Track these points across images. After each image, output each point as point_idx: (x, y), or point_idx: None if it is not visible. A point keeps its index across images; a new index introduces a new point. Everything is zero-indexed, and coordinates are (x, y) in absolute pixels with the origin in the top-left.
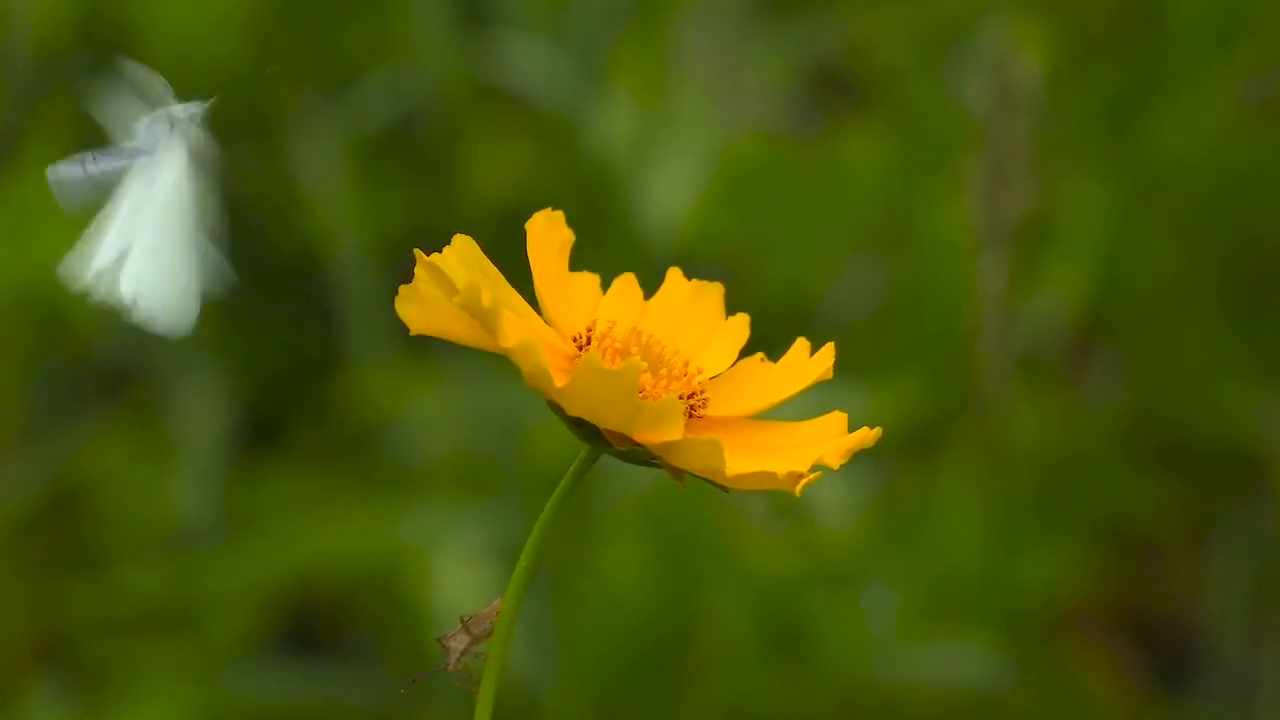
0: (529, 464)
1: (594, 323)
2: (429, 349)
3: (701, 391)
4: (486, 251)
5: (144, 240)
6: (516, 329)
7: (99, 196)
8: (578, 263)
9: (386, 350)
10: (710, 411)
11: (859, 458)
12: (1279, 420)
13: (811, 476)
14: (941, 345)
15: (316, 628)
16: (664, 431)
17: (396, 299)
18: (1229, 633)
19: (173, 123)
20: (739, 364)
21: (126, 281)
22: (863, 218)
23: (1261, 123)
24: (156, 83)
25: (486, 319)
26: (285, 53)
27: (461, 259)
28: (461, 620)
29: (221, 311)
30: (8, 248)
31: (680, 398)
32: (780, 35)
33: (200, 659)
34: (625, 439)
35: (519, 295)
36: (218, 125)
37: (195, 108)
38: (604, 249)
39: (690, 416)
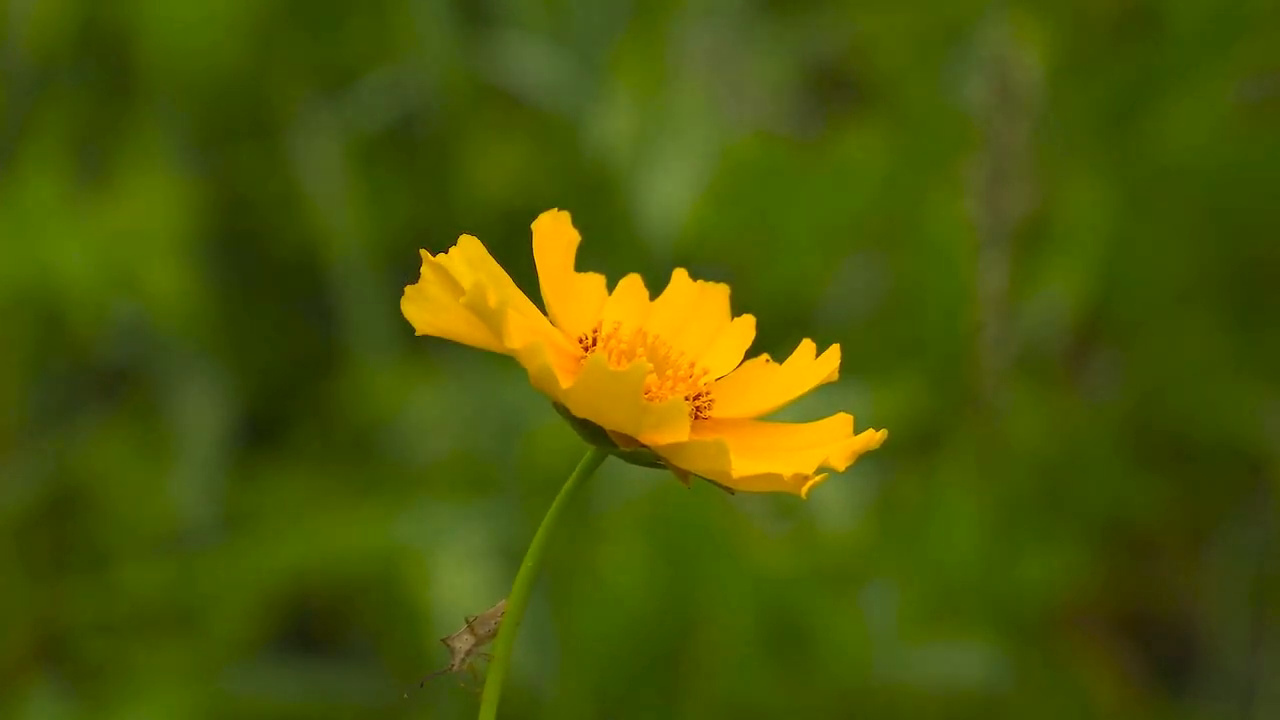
0: (529, 464)
1: (600, 324)
2: (429, 349)
3: (707, 393)
4: (489, 251)
5: None
6: (522, 330)
7: None
8: (578, 262)
9: (387, 350)
10: (715, 413)
11: (860, 458)
12: (1279, 420)
13: (817, 478)
14: (941, 345)
15: (316, 628)
16: (669, 433)
17: (402, 299)
18: (1229, 633)
19: None
20: (744, 365)
21: None
22: (863, 217)
23: (1261, 123)
24: None
25: (493, 320)
26: (285, 53)
27: (467, 259)
28: (466, 621)
29: (221, 311)
30: (8, 248)
31: (686, 399)
32: (780, 35)
33: (200, 659)
34: (631, 440)
35: (525, 296)
36: (218, 125)
37: None
38: (604, 249)
39: (696, 418)
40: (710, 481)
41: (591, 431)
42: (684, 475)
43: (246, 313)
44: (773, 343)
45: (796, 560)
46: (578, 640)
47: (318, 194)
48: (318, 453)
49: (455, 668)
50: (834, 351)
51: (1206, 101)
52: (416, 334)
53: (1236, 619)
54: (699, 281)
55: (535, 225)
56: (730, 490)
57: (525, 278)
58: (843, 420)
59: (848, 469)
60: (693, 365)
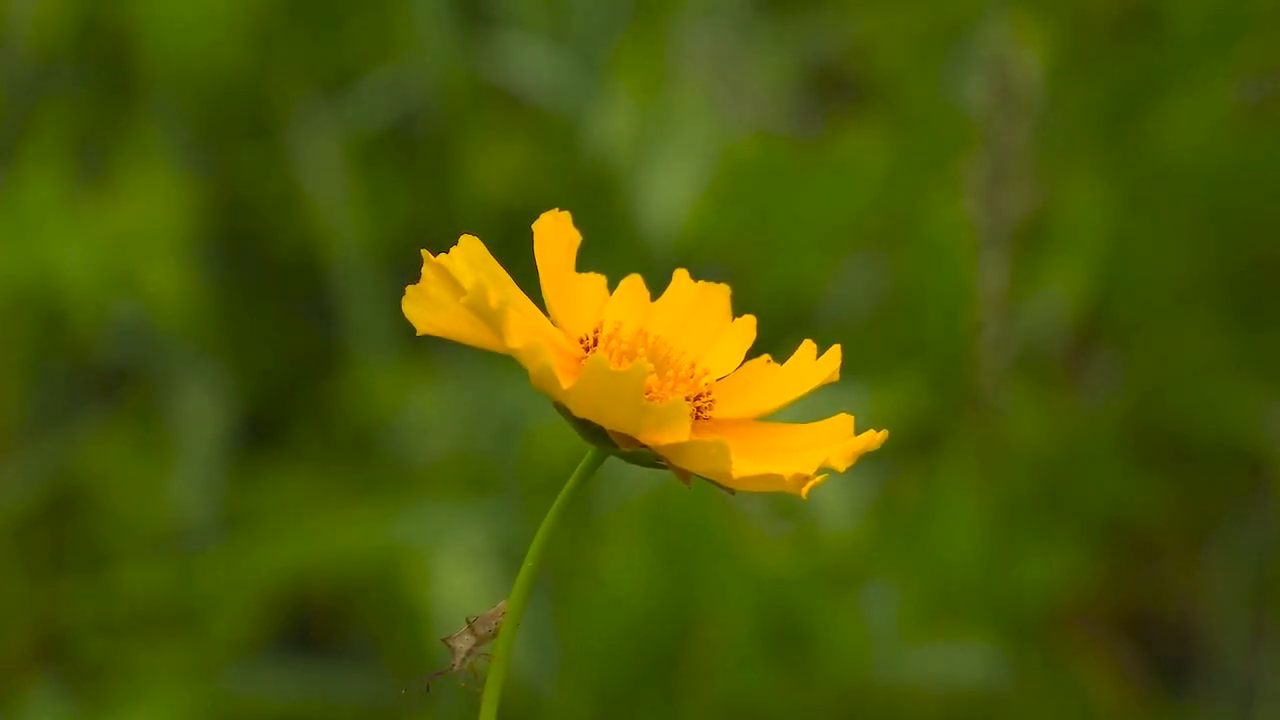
0: (529, 464)
1: (600, 324)
2: (429, 349)
3: (708, 393)
4: (490, 251)
5: None
6: (523, 330)
7: None
8: (578, 262)
9: (387, 350)
10: (716, 413)
11: (860, 459)
12: (1279, 420)
13: (817, 479)
14: (941, 345)
15: (316, 628)
16: (670, 433)
17: (403, 299)
18: (1229, 633)
19: None
20: (745, 365)
21: None
22: (863, 217)
23: (1261, 123)
24: None
25: (493, 320)
26: (285, 53)
27: (468, 259)
28: (466, 621)
29: (221, 311)
30: (8, 248)
31: (686, 399)
32: (780, 35)
33: (200, 659)
34: (631, 440)
35: (525, 296)
36: (218, 125)
37: None
38: (605, 249)
39: (696, 418)
40: (710, 482)
41: (592, 432)
42: (684, 476)
43: (246, 313)
44: (773, 343)
45: (796, 560)
46: (578, 640)
47: (318, 194)
48: (318, 453)
49: (455, 668)
50: (835, 352)
51: (1206, 101)
52: (417, 334)
53: (1236, 619)
54: (700, 282)
55: (536, 225)
56: (730, 491)
57: (526, 278)
58: (843, 421)
59: (848, 469)
60: (693, 365)
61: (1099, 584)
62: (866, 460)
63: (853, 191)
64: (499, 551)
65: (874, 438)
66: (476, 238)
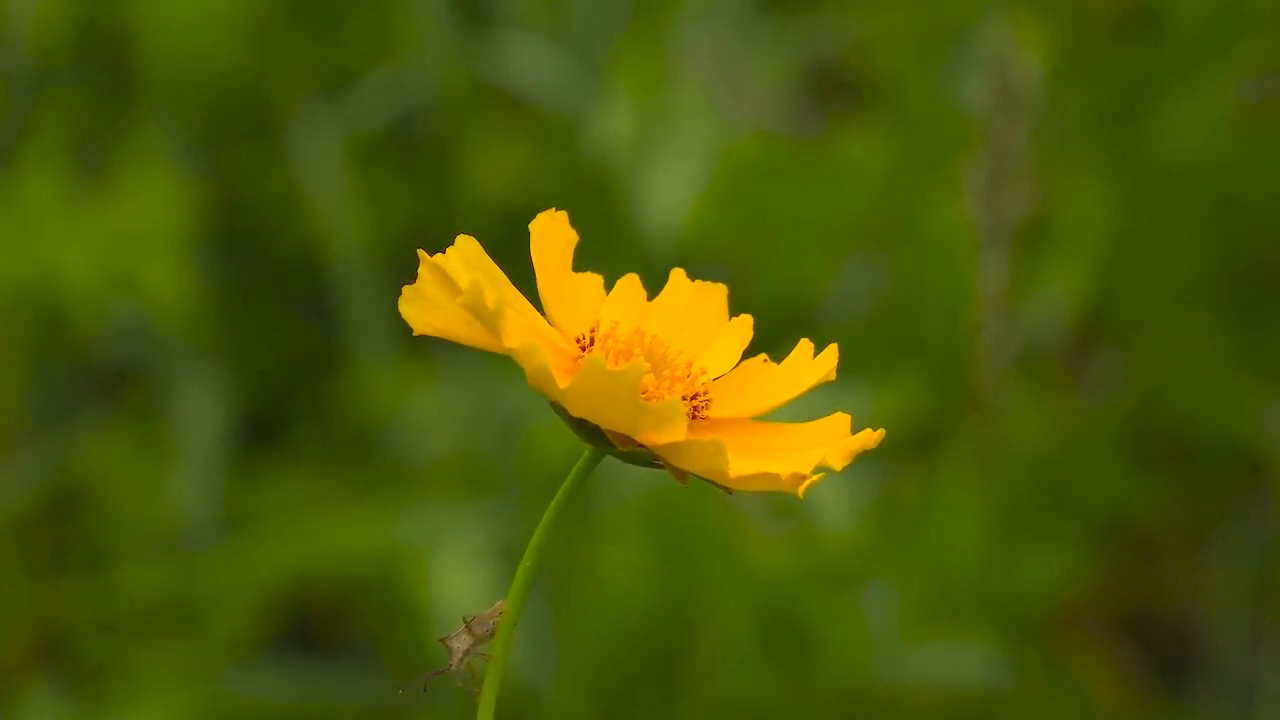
0: (529, 464)
1: (597, 323)
2: (429, 349)
3: (705, 393)
4: (488, 251)
5: None
6: (520, 329)
7: None
8: (577, 262)
9: (386, 350)
10: (713, 413)
11: (859, 458)
12: (1279, 420)
13: (814, 478)
14: (941, 345)
15: (316, 628)
16: (667, 433)
17: (400, 299)
18: (1229, 633)
19: None
20: (742, 365)
21: None
22: (863, 217)
23: (1261, 123)
24: None
25: (490, 319)
26: (285, 53)
27: (464, 259)
28: (464, 621)
29: (221, 311)
30: (8, 248)
31: (683, 399)
32: (780, 35)
33: (200, 659)
34: (628, 440)
35: (522, 295)
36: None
37: None
38: (604, 249)
39: (693, 418)
40: (708, 481)
41: (589, 431)
42: (682, 475)
43: (246, 313)
44: (773, 343)
45: (796, 560)
46: (576, 640)
47: (318, 194)
48: (318, 453)
49: (453, 668)
50: (831, 351)
51: (1206, 101)
52: (414, 334)
53: (1236, 619)
54: (697, 281)
55: (533, 225)
56: (728, 490)
57: (525, 277)
58: (841, 420)
59: (846, 468)
60: (690, 365)
61: (1099, 584)
62: (866, 460)
63: (853, 191)
64: (499, 551)
65: (871, 437)
66: (472, 237)
